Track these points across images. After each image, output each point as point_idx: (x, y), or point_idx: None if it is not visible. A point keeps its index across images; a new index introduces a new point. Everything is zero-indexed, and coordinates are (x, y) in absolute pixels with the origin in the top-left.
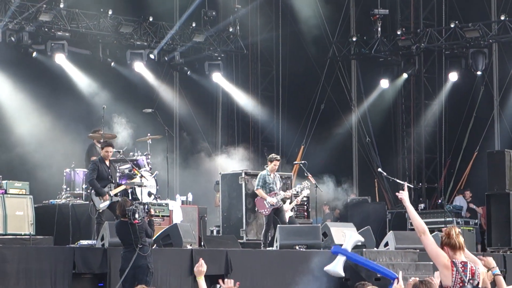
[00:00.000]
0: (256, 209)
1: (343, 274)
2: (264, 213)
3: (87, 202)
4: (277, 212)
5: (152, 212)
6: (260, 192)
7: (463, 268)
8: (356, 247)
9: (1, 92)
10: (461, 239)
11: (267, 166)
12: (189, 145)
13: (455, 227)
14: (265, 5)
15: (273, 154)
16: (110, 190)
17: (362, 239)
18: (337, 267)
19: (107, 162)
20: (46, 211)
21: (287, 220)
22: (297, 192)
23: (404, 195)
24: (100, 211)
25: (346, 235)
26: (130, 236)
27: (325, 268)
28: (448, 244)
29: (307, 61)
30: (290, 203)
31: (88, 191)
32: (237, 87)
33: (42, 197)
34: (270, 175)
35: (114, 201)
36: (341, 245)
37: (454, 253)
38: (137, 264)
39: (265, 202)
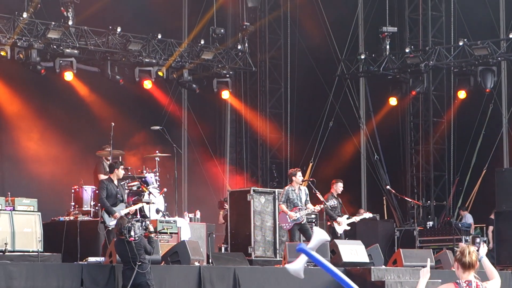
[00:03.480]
0: (278, 223)
1: (302, 276)
2: (285, 227)
3: (96, 219)
4: (302, 229)
5: (151, 228)
6: (282, 207)
7: (467, 287)
8: (365, 264)
9: (10, 109)
10: (474, 258)
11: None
12: (197, 163)
13: (470, 246)
14: (273, 23)
15: (293, 170)
16: (122, 209)
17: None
18: (298, 266)
19: (116, 181)
20: (54, 228)
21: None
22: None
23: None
24: (110, 228)
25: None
26: (128, 254)
27: (286, 266)
28: (459, 261)
29: (316, 78)
30: (347, 218)
31: (97, 208)
32: (245, 104)
33: (50, 214)
34: (294, 190)
35: None
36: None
37: (464, 271)
38: (137, 282)
39: (287, 216)
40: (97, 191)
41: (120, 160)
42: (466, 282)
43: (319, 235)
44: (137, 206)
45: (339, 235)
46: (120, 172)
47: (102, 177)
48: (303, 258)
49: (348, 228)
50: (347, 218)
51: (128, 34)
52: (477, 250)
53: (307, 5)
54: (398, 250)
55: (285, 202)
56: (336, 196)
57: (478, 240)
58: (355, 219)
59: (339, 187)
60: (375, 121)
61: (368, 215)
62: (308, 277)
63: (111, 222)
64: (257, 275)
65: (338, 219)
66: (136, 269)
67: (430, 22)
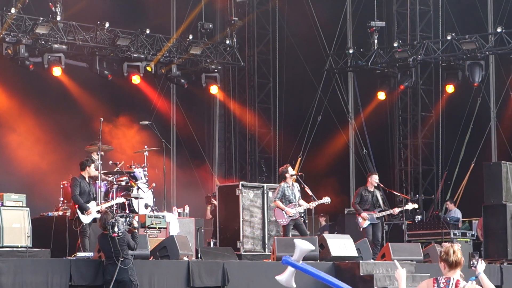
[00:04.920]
0: (274, 218)
1: (294, 286)
2: (281, 222)
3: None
4: (296, 223)
5: (135, 224)
6: (278, 203)
7: (445, 284)
8: (353, 258)
9: None
10: (459, 256)
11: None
12: (186, 157)
13: (453, 245)
14: (261, 18)
15: (283, 167)
16: (93, 207)
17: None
18: (288, 278)
19: (87, 179)
20: (43, 223)
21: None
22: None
23: (401, 275)
24: (84, 224)
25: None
26: (111, 249)
27: (276, 277)
28: (445, 261)
29: (304, 73)
30: (380, 211)
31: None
32: (234, 99)
33: (39, 209)
34: (289, 186)
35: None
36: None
37: (449, 270)
38: (119, 279)
39: (283, 212)
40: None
41: (92, 158)
42: (445, 279)
43: (301, 245)
44: (108, 204)
45: (360, 229)
46: (92, 170)
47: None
48: (290, 270)
49: (377, 221)
50: (380, 211)
51: (116, 29)
52: (475, 267)
53: (295, 0)
54: (387, 244)
55: (280, 198)
56: (371, 190)
57: (475, 258)
58: (394, 211)
59: (374, 179)
60: (364, 115)
61: (411, 206)
62: (296, 272)
63: (85, 219)
64: (246, 269)
65: (362, 214)
66: (119, 265)
67: (418, 16)
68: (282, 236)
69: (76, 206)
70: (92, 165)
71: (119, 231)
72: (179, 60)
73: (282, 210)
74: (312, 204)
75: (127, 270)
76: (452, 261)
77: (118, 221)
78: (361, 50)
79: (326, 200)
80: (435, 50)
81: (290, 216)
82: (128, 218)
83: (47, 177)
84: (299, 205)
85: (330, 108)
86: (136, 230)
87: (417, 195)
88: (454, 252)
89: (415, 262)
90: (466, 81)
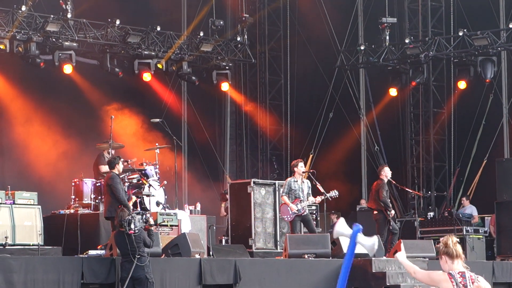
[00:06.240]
0: (279, 215)
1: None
2: (286, 219)
3: (96, 212)
4: (304, 220)
5: (151, 221)
6: (284, 199)
7: (462, 278)
8: (366, 255)
9: (9, 102)
10: (458, 247)
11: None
12: (197, 155)
13: (452, 235)
14: (272, 14)
15: (294, 162)
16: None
17: (374, 251)
18: (342, 231)
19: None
20: (54, 221)
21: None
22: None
23: (400, 255)
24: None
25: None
26: (127, 246)
27: (337, 226)
28: (446, 253)
29: (315, 69)
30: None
31: (97, 201)
32: (245, 96)
33: (50, 207)
34: (296, 181)
35: None
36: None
37: (452, 261)
38: (135, 276)
39: (288, 208)
40: (109, 185)
41: (104, 155)
42: (460, 273)
43: (374, 243)
44: (132, 202)
45: (391, 227)
46: (121, 166)
47: (103, 168)
48: (348, 232)
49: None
50: None
51: (127, 26)
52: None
53: None
54: (399, 241)
55: (287, 193)
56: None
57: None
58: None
59: (387, 172)
60: (375, 112)
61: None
62: (308, 269)
63: None
64: (258, 267)
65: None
66: (135, 262)
67: (430, 12)
68: (290, 233)
69: (120, 206)
70: (120, 162)
71: (136, 228)
72: (190, 57)
73: (287, 206)
74: (318, 199)
75: (143, 268)
76: (451, 252)
77: (135, 218)
78: (373, 46)
79: (334, 193)
80: (446, 46)
81: (294, 212)
82: (144, 216)
83: (58, 175)
84: (306, 200)
85: (341, 104)
86: (152, 228)
87: (429, 192)
88: (453, 242)
89: (427, 259)
90: (478, 77)
